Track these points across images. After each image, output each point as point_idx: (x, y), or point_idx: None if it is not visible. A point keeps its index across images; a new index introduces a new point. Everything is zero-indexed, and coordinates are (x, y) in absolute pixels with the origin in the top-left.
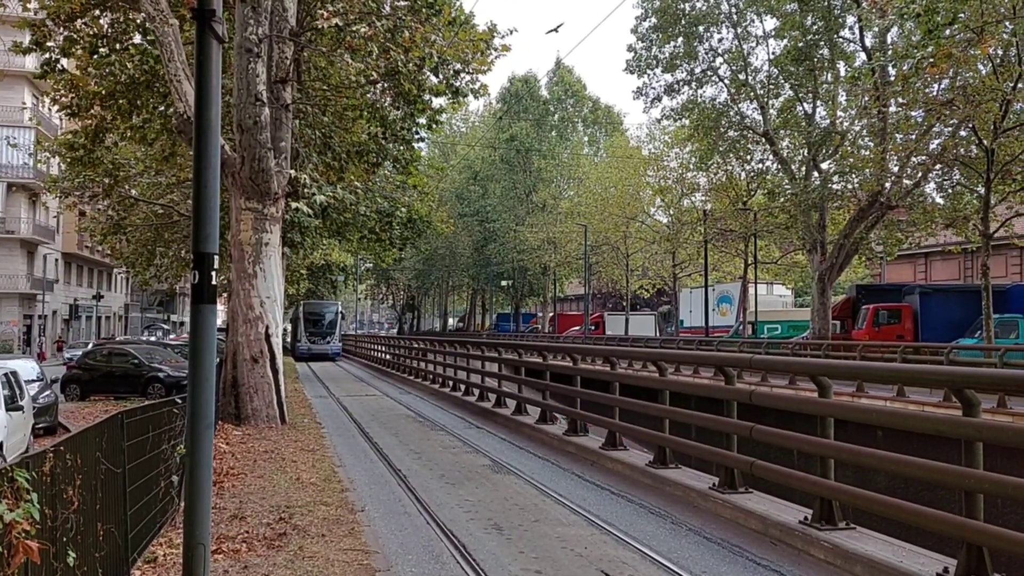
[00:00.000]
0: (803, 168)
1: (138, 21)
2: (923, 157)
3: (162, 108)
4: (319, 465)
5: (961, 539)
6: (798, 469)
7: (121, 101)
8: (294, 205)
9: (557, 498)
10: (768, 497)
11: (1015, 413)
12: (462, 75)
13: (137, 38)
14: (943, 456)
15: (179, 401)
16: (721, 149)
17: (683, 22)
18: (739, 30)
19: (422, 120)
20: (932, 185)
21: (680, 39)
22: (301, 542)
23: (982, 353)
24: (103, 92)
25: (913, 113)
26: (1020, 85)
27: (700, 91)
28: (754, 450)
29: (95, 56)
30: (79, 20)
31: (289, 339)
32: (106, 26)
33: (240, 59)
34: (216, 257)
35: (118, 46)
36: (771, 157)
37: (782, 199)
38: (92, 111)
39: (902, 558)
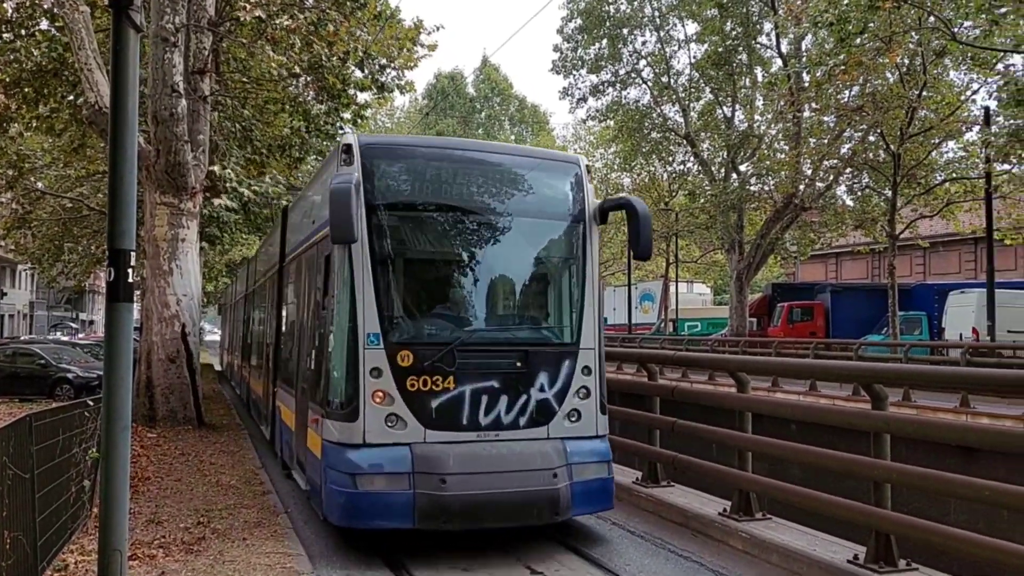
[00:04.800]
0: (722, 170)
1: (45, 6)
2: (835, 161)
3: (71, 97)
4: (239, 467)
5: (869, 527)
6: (718, 462)
7: (27, 89)
8: (216, 201)
9: None
10: (690, 490)
11: (919, 406)
12: (388, 70)
13: (44, 24)
14: (854, 448)
15: (91, 403)
16: (644, 150)
17: (608, 24)
18: (662, 33)
19: (346, 115)
20: (843, 188)
21: (605, 41)
22: (221, 546)
23: (888, 349)
24: (7, 79)
25: (825, 118)
26: (925, 93)
27: (624, 93)
28: (676, 444)
29: None
30: None
31: (267, 374)
32: (10, 10)
33: (156, 49)
34: (132, 254)
35: (23, 32)
36: (692, 159)
37: (702, 200)
38: None
39: (815, 546)
